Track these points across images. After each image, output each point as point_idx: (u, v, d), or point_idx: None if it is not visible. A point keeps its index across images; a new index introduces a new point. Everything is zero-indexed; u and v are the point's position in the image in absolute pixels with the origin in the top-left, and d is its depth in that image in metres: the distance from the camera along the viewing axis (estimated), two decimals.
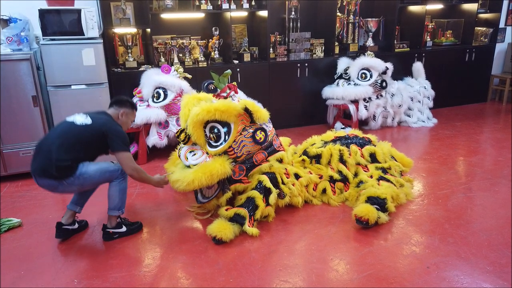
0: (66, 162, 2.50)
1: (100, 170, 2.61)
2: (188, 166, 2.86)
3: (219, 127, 2.88)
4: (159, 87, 4.05)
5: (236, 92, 3.15)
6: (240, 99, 3.08)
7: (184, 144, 2.94)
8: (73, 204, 2.83)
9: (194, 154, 2.88)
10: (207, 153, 2.89)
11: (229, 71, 3.17)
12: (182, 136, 2.91)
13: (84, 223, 2.96)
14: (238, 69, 4.70)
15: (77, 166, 2.54)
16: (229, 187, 2.94)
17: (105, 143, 2.63)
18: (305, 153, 3.45)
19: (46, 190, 2.66)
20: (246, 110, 2.86)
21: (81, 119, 2.64)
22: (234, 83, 3.24)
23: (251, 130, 2.91)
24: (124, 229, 2.82)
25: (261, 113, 2.93)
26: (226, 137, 2.86)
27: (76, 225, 2.88)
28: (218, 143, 2.88)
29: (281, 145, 3.22)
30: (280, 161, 3.13)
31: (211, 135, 2.89)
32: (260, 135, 2.94)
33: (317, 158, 3.39)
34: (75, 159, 2.55)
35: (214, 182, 2.80)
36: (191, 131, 2.87)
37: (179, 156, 2.98)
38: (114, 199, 2.71)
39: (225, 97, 3.02)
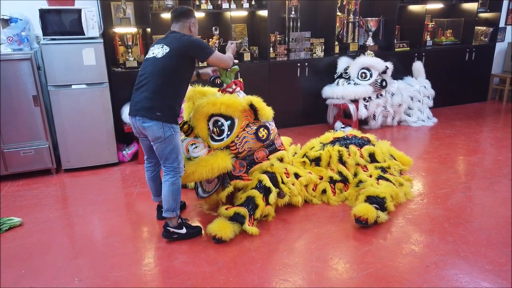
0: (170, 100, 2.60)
1: (178, 147, 2.66)
2: (189, 159, 2.87)
3: (223, 121, 2.88)
4: None
5: (242, 89, 3.14)
6: (245, 96, 3.08)
7: (187, 136, 2.95)
8: (155, 197, 3.02)
9: (196, 147, 2.89)
10: (209, 146, 2.90)
11: (236, 67, 3.12)
12: (185, 127, 2.93)
13: (182, 204, 3.12)
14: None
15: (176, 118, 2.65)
16: (229, 182, 2.94)
17: (190, 59, 2.72)
18: (305, 157, 3.46)
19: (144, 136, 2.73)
20: (252, 106, 2.88)
21: (160, 51, 2.65)
22: (241, 79, 3.22)
23: (254, 127, 2.92)
24: (184, 231, 2.79)
25: (266, 110, 2.94)
26: (229, 132, 2.87)
27: None
28: (221, 138, 2.89)
29: (282, 144, 3.23)
30: (281, 160, 3.14)
31: (214, 129, 2.89)
32: (263, 133, 2.95)
33: (316, 161, 3.39)
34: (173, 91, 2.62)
35: (214, 175, 2.80)
36: (194, 123, 2.88)
37: None
38: (167, 200, 2.70)
39: (231, 93, 3.01)
